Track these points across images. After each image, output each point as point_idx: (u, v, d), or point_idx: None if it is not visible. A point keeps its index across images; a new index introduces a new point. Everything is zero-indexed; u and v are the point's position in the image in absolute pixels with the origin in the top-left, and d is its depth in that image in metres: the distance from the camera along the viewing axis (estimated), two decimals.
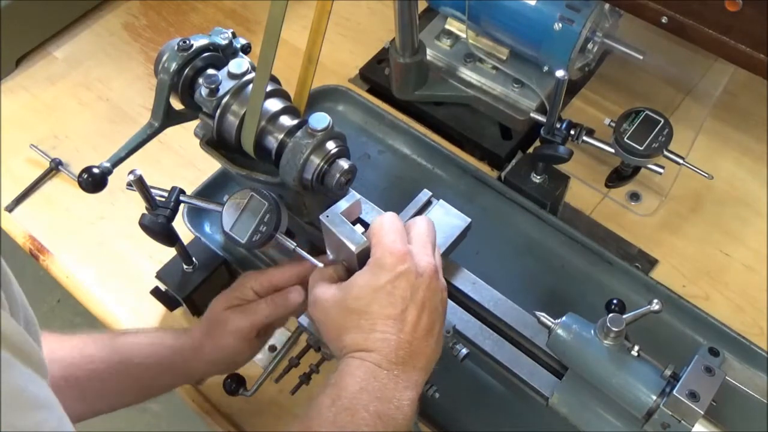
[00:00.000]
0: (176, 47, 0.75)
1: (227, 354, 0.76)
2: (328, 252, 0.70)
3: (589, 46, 0.93)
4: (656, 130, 0.84)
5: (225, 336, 0.75)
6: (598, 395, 0.63)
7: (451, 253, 0.74)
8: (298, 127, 0.72)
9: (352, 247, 0.62)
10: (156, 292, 0.88)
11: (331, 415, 0.58)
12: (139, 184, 0.73)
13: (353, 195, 0.66)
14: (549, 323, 0.65)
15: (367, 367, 0.59)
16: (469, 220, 0.73)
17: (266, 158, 0.74)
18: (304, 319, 0.70)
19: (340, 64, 1.14)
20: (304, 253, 0.73)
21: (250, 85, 0.71)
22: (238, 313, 0.75)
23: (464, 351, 0.67)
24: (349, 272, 0.65)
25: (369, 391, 0.59)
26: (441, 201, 0.75)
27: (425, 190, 0.75)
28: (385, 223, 0.64)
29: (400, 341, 0.60)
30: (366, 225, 0.73)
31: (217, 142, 0.75)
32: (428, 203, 0.74)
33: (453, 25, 1.07)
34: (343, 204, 0.65)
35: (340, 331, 0.62)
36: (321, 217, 0.64)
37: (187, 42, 0.75)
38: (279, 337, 0.87)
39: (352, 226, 0.64)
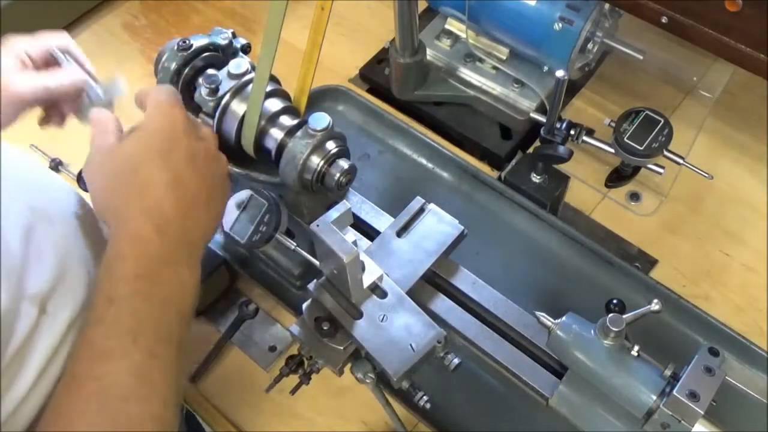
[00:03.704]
0: (176, 47, 0.75)
1: None
2: (319, 261, 0.69)
3: (589, 46, 0.93)
4: (656, 130, 0.84)
5: None
6: (598, 395, 0.63)
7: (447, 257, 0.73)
8: (298, 127, 0.72)
9: (343, 257, 0.62)
10: None
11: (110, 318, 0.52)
12: None
13: (344, 204, 0.66)
14: (549, 323, 0.65)
15: (139, 246, 0.54)
16: (462, 227, 0.73)
17: (266, 158, 0.74)
18: (294, 328, 0.69)
19: (340, 64, 1.14)
20: (305, 253, 0.73)
21: (250, 85, 0.71)
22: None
23: (456, 361, 0.67)
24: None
25: (145, 276, 0.54)
26: (434, 207, 0.74)
27: (418, 198, 0.75)
28: (163, 90, 0.62)
29: (177, 210, 0.56)
30: (364, 231, 0.73)
31: None
32: (421, 210, 0.74)
33: (453, 25, 1.07)
34: (333, 213, 0.64)
35: (107, 195, 0.58)
36: (311, 226, 0.63)
37: (187, 42, 0.75)
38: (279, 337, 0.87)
39: (342, 235, 0.63)
